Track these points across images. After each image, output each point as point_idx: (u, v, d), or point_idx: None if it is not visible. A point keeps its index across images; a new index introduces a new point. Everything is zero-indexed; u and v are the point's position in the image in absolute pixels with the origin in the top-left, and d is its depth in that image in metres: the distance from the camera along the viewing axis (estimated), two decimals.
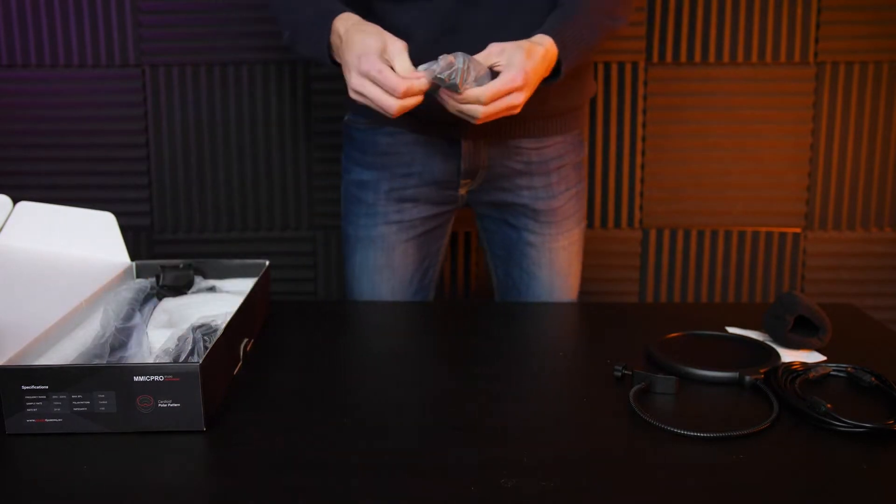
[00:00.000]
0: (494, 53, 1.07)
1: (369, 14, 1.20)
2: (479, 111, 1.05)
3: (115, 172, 1.85)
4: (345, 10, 1.14)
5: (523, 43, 1.09)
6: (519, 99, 1.06)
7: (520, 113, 1.11)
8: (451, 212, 1.41)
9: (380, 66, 1.03)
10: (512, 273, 1.44)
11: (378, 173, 1.35)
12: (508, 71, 1.05)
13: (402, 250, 1.37)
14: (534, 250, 1.40)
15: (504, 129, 1.28)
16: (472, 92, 1.04)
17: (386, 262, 1.37)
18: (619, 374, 0.97)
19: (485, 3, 1.19)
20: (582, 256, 1.47)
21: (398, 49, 1.05)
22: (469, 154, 1.31)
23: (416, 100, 1.04)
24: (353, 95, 1.08)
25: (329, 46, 1.13)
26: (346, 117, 1.41)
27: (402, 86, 1.02)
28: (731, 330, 1.13)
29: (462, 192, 1.36)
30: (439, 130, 1.29)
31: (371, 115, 1.31)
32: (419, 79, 1.03)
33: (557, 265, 1.41)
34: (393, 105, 1.03)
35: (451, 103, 1.07)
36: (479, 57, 1.07)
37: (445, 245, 1.45)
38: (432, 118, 1.26)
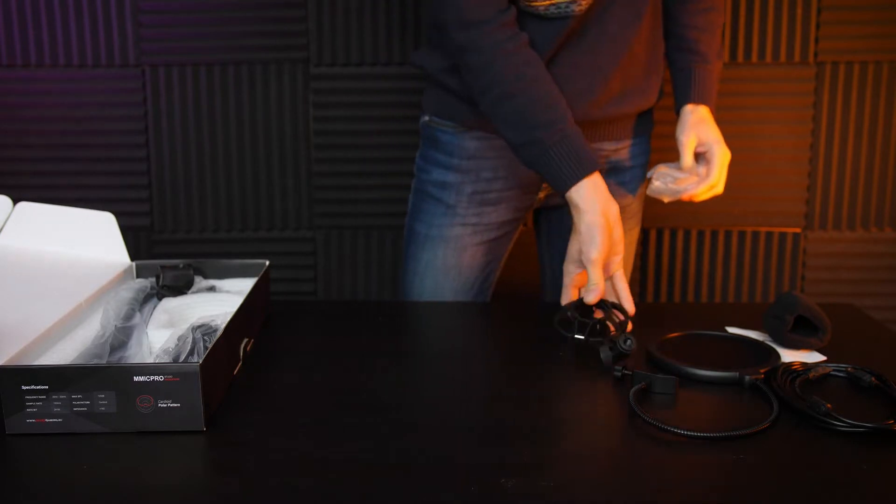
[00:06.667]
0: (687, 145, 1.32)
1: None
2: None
3: (115, 172, 1.85)
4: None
5: (715, 134, 1.34)
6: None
7: (605, 115, 1.26)
8: (522, 217, 1.42)
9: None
10: None
11: (463, 176, 1.35)
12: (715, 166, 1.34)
13: (472, 253, 1.38)
14: None
15: (589, 131, 1.28)
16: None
17: (455, 262, 1.38)
18: (619, 374, 0.97)
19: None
20: (633, 259, 1.48)
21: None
22: None
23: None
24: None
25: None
26: (424, 118, 1.40)
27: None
28: (731, 330, 1.13)
29: (541, 195, 1.39)
30: None
31: (459, 118, 1.33)
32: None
33: None
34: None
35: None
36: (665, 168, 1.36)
37: (508, 252, 1.46)
38: None
